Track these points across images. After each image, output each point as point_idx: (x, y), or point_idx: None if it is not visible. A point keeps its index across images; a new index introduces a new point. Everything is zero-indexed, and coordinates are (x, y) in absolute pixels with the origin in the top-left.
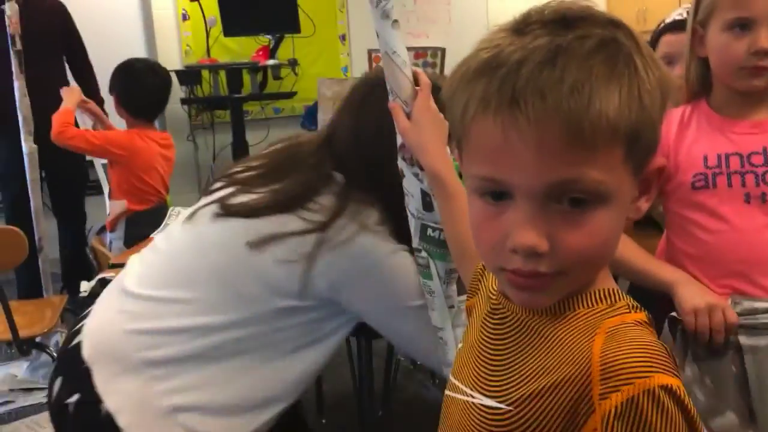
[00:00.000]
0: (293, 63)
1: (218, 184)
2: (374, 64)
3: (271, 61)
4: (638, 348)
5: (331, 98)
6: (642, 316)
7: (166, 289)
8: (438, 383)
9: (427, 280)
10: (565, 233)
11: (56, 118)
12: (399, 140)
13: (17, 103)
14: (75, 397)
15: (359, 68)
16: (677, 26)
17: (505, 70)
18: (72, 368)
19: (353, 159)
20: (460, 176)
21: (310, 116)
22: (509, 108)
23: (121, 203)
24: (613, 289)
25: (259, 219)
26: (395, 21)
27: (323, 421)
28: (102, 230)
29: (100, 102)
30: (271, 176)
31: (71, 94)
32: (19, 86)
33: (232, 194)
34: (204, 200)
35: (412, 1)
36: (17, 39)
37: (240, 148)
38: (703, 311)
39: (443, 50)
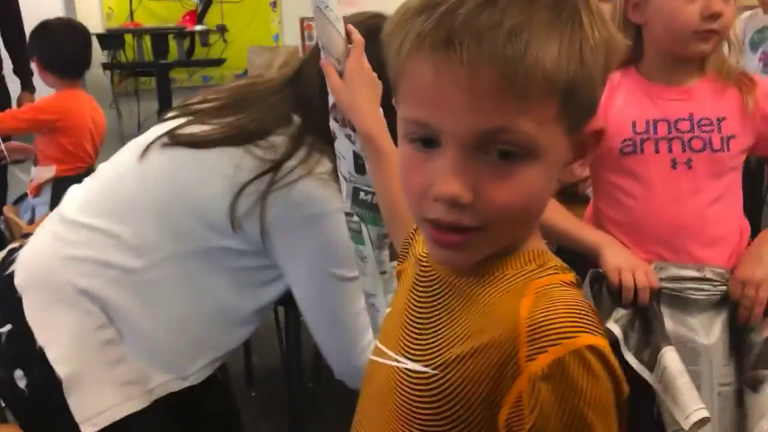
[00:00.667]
0: (222, 29)
1: (172, 113)
2: (306, 32)
3: (198, 27)
4: (565, 308)
5: (261, 66)
6: (570, 276)
7: (104, 218)
8: None
9: (359, 245)
10: (491, 186)
11: None
12: (331, 100)
13: None
14: (6, 327)
15: (291, 36)
16: None
17: (444, 9)
18: (5, 297)
19: (317, 102)
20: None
21: None
22: (444, 48)
23: (50, 168)
24: (542, 250)
25: (207, 150)
26: None
27: (252, 394)
28: (19, 200)
29: (27, 72)
30: (226, 110)
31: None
32: None
33: (183, 125)
34: (155, 129)
35: None
36: None
37: None
38: (626, 269)
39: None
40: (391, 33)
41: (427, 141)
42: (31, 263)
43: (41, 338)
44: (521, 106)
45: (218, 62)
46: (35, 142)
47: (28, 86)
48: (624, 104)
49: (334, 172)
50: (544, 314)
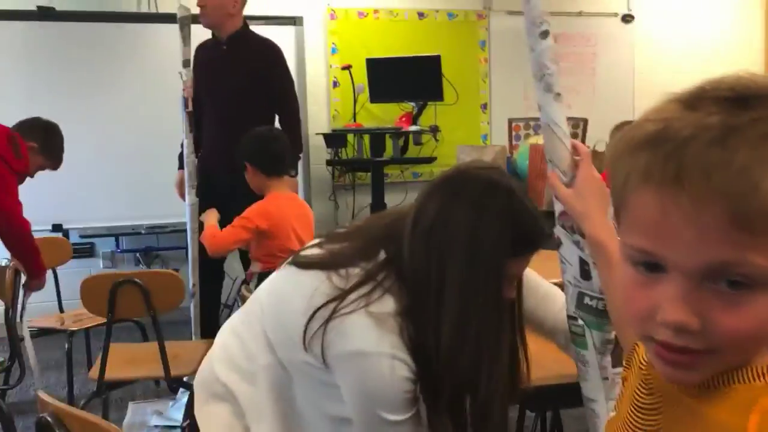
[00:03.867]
0: (434, 129)
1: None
2: (513, 133)
3: (413, 127)
4: None
5: None
6: None
7: (248, 329)
8: None
9: (582, 349)
10: (720, 314)
11: (206, 238)
12: (558, 209)
13: (185, 159)
14: (186, 422)
15: (499, 136)
16: None
17: (671, 146)
18: (191, 395)
19: (405, 242)
20: None
21: None
22: (672, 185)
23: (256, 264)
24: None
25: (305, 271)
26: (558, 94)
27: None
28: (244, 282)
29: (298, 156)
30: (343, 236)
31: (211, 214)
32: (187, 144)
33: (311, 246)
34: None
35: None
36: (189, 102)
37: (378, 209)
38: None
39: (585, 121)
40: (617, 161)
41: (652, 266)
42: (202, 366)
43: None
44: (753, 241)
45: (429, 160)
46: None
47: (290, 172)
48: None
49: (398, 314)
50: None
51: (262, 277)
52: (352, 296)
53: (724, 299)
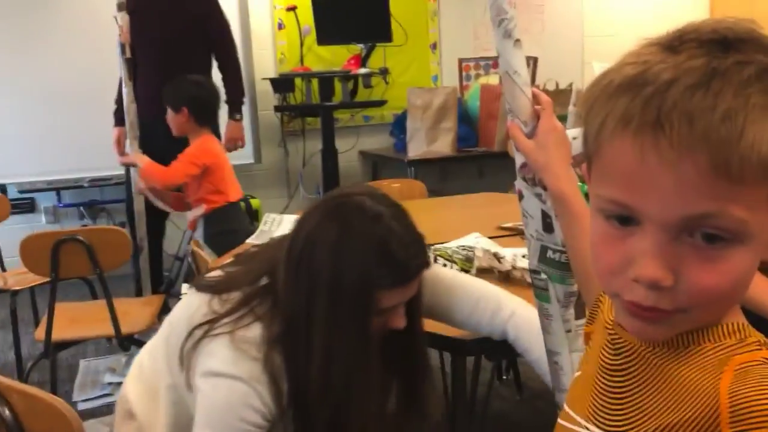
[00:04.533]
0: (384, 72)
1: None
2: (464, 73)
3: (362, 70)
4: None
5: (420, 107)
6: None
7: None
8: (522, 398)
9: (545, 303)
10: (694, 269)
11: (151, 171)
12: (519, 160)
13: (125, 108)
14: None
15: (449, 77)
16: None
17: (651, 89)
18: None
19: (281, 270)
20: (586, 197)
21: (398, 125)
22: (652, 130)
23: (200, 207)
24: (742, 324)
25: (196, 293)
26: (517, 40)
27: None
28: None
29: (235, 102)
30: (244, 259)
31: (141, 155)
32: (127, 92)
33: (220, 266)
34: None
35: (514, 3)
36: (126, 48)
37: (329, 155)
38: None
39: (535, 59)
40: (591, 109)
41: (624, 219)
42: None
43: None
44: (733, 191)
45: (380, 103)
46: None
47: (233, 115)
48: None
49: (265, 343)
50: (748, 393)
51: (209, 218)
52: (225, 320)
53: (699, 254)
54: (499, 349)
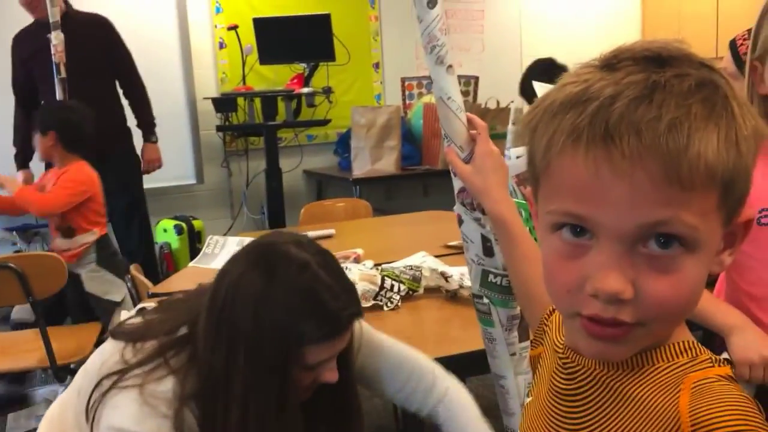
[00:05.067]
0: (327, 91)
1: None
2: (407, 92)
3: (305, 89)
4: (730, 405)
5: (364, 126)
6: (727, 370)
7: None
8: None
9: (488, 327)
10: (651, 280)
11: (26, 197)
12: (457, 185)
13: None
14: None
15: (392, 96)
16: None
17: (596, 104)
18: None
19: (202, 320)
20: (527, 221)
21: (342, 143)
22: (603, 143)
23: (92, 233)
24: (692, 342)
25: (111, 340)
26: (450, 66)
27: None
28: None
29: (149, 124)
30: (159, 308)
31: (12, 179)
32: None
33: (140, 312)
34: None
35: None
36: (62, 67)
37: (273, 174)
38: (757, 366)
39: (476, 78)
40: (537, 127)
41: (578, 229)
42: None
43: None
44: (684, 199)
45: (324, 122)
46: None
47: (149, 137)
48: (761, 174)
49: (178, 398)
50: (708, 411)
51: (101, 242)
52: (136, 371)
53: (654, 265)
54: (449, 370)
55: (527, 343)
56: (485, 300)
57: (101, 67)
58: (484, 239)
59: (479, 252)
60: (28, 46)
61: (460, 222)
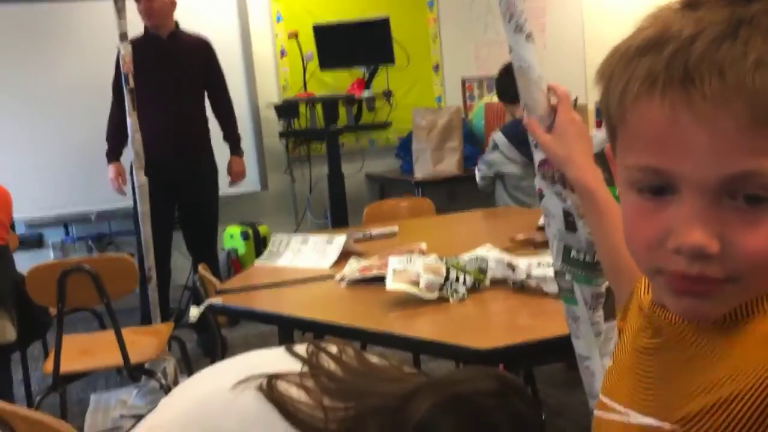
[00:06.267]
0: (388, 94)
1: (300, 348)
2: (467, 93)
3: (366, 93)
4: None
5: (425, 128)
6: None
7: None
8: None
9: (572, 305)
10: (740, 234)
11: None
12: (538, 158)
13: (130, 139)
14: None
15: (453, 97)
16: None
17: (674, 46)
18: None
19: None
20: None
21: (404, 146)
22: (681, 85)
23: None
24: None
25: (282, 419)
26: (529, 34)
27: None
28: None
29: (236, 139)
30: (336, 392)
31: None
32: (131, 123)
33: (289, 376)
34: (262, 357)
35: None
36: (130, 78)
37: (336, 179)
38: None
39: None
40: (612, 75)
41: (658, 189)
42: None
43: None
44: None
45: (384, 125)
46: None
47: (237, 151)
48: None
49: None
50: None
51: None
52: None
53: (744, 218)
54: (517, 359)
55: (614, 322)
56: (568, 277)
57: (198, 85)
58: (566, 214)
59: (561, 227)
60: (135, 55)
61: (541, 196)
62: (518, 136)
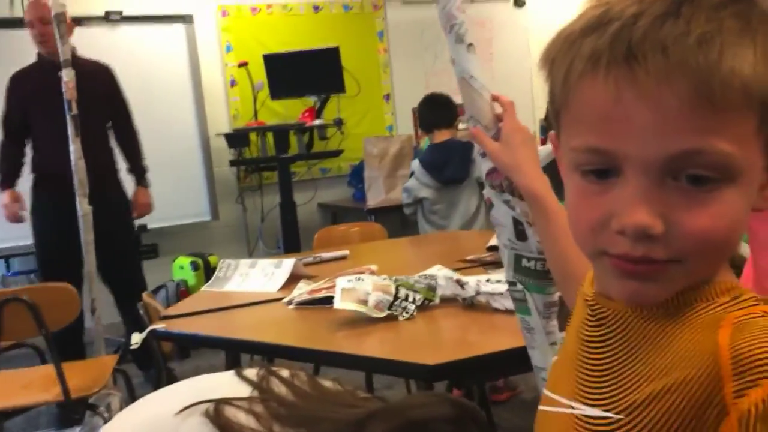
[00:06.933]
0: (339, 122)
1: (249, 372)
2: (418, 122)
3: (317, 122)
4: None
5: (377, 156)
6: None
7: None
8: None
9: (525, 315)
10: (684, 214)
11: None
12: (485, 167)
13: (73, 166)
14: None
15: (404, 126)
16: None
17: (618, 24)
18: None
19: None
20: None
21: (356, 174)
22: (625, 62)
23: None
24: (734, 283)
25: None
26: (470, 44)
27: None
28: (156, 290)
29: (142, 170)
30: (288, 419)
31: None
32: (74, 149)
33: (238, 401)
34: (212, 381)
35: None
36: (73, 104)
37: (288, 208)
38: None
39: None
40: (555, 57)
41: (603, 172)
42: None
43: None
44: (717, 123)
45: (336, 154)
46: None
47: (142, 182)
48: None
49: None
50: (750, 344)
51: None
52: None
53: (687, 198)
54: (468, 373)
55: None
56: (519, 286)
57: (100, 113)
58: (516, 222)
59: (511, 236)
60: (30, 85)
61: (490, 206)
62: (432, 163)
